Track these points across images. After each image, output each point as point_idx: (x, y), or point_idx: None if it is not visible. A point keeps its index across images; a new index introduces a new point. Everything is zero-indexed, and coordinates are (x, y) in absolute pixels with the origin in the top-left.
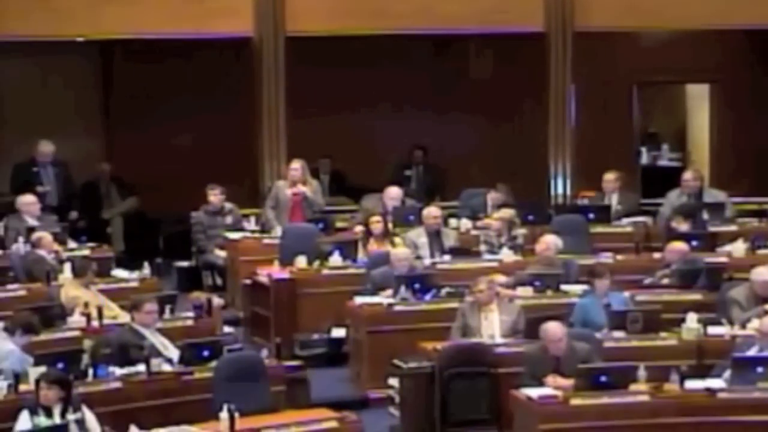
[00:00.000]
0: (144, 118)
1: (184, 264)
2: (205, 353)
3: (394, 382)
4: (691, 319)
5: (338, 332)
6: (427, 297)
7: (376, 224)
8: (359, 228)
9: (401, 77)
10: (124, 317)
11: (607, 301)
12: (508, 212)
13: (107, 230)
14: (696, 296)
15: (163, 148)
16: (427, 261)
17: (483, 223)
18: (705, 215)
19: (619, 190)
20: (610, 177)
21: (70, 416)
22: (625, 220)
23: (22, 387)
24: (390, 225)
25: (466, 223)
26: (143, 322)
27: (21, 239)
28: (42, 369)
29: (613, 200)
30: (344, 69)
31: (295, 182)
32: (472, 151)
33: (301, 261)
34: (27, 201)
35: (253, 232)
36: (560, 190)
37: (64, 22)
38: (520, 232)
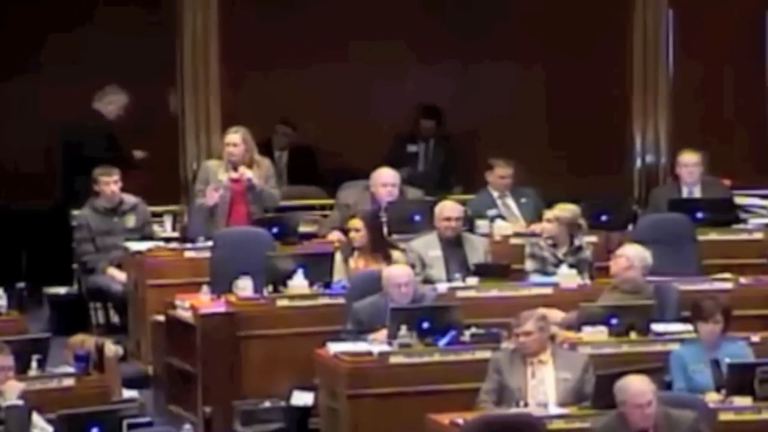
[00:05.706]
0: (5, 70)
1: (61, 291)
2: (94, 431)
3: None
4: None
5: (302, 397)
6: (442, 342)
7: (357, 233)
8: (336, 235)
9: (403, 6)
10: None
11: (715, 354)
12: (568, 209)
13: None
14: None
15: (31, 111)
16: (442, 286)
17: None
18: None
19: (703, 179)
20: (690, 159)
21: None
22: (751, 223)
23: None
24: (384, 229)
25: (502, 227)
26: None
27: None
28: None
29: (695, 195)
30: None
31: (234, 163)
32: (511, 115)
33: (245, 286)
34: None
35: (168, 240)
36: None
37: None
38: (588, 240)
